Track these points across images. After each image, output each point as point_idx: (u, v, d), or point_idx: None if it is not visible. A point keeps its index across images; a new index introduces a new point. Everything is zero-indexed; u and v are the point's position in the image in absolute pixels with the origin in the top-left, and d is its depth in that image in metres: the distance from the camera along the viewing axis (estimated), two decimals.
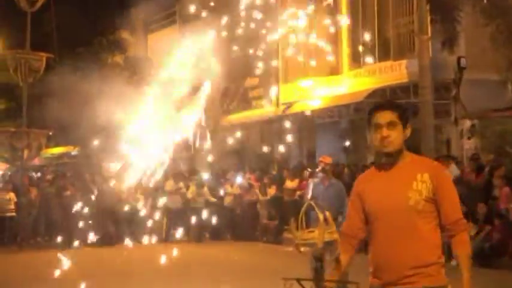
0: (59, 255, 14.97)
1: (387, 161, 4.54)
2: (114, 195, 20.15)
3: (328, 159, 11.43)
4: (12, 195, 20.36)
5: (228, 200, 21.18)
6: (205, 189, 21.13)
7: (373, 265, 4.55)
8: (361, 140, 23.07)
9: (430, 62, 19.08)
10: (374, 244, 4.55)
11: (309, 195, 11.49)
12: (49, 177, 23.69)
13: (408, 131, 4.56)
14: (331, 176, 11.51)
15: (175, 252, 15.91)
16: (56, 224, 20.14)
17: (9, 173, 25.79)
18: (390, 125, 4.47)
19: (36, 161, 28.48)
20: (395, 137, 4.48)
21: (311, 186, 11.66)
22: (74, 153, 34.08)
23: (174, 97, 16.86)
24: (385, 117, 4.49)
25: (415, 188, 4.42)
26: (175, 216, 20.96)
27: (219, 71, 26.66)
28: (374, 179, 4.60)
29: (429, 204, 4.42)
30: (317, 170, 11.88)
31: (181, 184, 21.15)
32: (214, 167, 26.57)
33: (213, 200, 20.96)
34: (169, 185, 20.93)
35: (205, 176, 22.11)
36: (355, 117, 23.88)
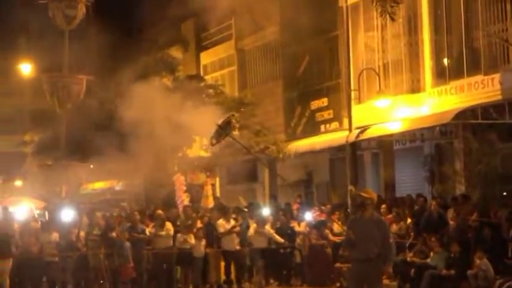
0: None
1: None
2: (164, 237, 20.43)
3: (372, 194, 11.67)
4: (56, 235, 20.64)
5: (297, 240, 21.14)
6: (268, 227, 21.13)
7: None
8: (449, 168, 22.78)
9: None
10: None
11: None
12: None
13: None
14: (373, 211, 11.65)
15: None
16: (99, 268, 20.38)
17: (46, 213, 26.22)
18: None
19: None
20: None
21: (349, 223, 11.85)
22: (117, 188, 34.55)
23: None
24: None
25: None
26: (233, 258, 21.00)
27: (283, 91, 26.86)
28: None
29: None
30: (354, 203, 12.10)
31: (232, 222, 21.20)
32: (276, 200, 26.67)
33: (279, 239, 20.92)
34: (222, 224, 20.99)
35: (267, 211, 22.13)
36: (441, 141, 23.59)
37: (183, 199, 24.40)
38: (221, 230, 20.87)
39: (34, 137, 33.00)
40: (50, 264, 20.39)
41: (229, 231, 20.89)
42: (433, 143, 24.19)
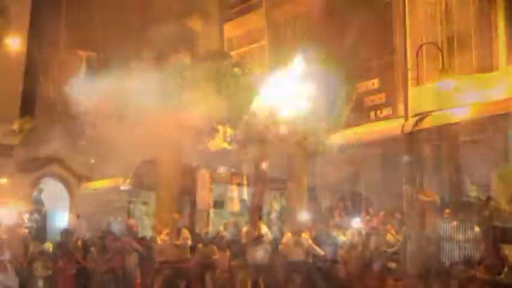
0: None
1: None
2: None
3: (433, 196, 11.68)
4: (49, 245, 20.80)
5: (341, 252, 21.10)
6: (306, 235, 21.11)
7: None
8: None
9: None
10: None
11: None
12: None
13: None
14: (434, 216, 11.60)
15: None
16: (101, 284, 20.48)
17: (36, 217, 26.40)
18: None
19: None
20: None
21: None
22: (123, 187, 34.71)
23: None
24: None
25: None
26: (262, 273, 20.96)
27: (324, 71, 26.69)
28: None
29: None
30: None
31: (263, 229, 21.21)
32: (315, 203, 26.63)
33: (319, 251, 20.89)
34: (247, 232, 21.04)
35: (304, 216, 22.13)
36: None
37: (209, 200, 24.49)
38: (245, 239, 20.91)
39: (24, 126, 33.24)
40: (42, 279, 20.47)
41: (256, 241, 20.85)
42: (508, 135, 24.03)
